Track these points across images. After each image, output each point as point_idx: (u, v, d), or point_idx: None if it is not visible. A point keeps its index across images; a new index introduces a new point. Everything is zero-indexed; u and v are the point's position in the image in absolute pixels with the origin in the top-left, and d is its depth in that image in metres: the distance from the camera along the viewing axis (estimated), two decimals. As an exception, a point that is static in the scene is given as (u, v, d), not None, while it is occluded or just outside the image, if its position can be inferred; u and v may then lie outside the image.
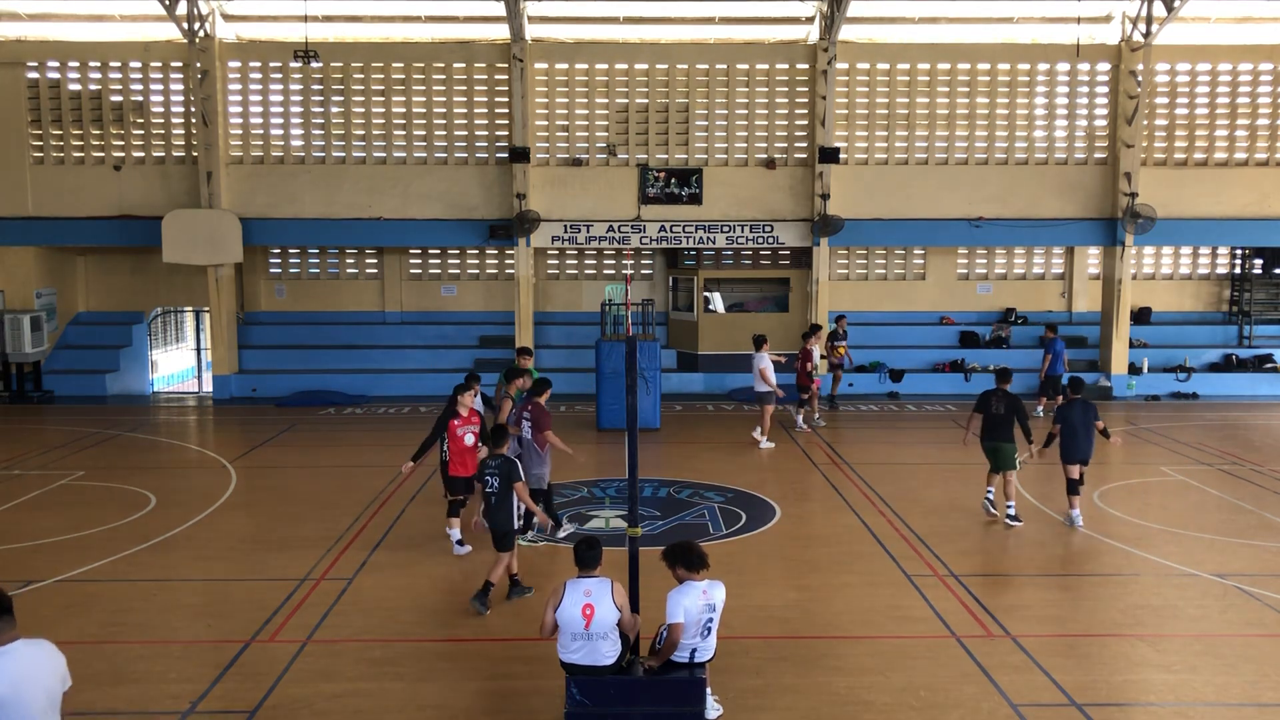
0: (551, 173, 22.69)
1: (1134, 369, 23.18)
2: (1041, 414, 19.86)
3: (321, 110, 22.65)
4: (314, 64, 21.09)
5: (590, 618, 6.85)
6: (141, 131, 22.61)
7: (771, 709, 7.49)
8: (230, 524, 12.54)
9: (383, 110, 22.65)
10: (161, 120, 22.67)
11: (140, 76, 22.53)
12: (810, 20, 22.19)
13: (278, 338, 24.27)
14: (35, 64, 22.33)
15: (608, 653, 6.94)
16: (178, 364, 28.14)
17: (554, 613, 6.94)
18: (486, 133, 22.80)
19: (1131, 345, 23.37)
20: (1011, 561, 11.07)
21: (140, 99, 22.56)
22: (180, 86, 22.54)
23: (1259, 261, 24.92)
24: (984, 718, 7.37)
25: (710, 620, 6.98)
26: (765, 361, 17.39)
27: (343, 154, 22.72)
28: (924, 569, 10.67)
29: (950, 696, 7.68)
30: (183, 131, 22.65)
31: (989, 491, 12.82)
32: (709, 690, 7.25)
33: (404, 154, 22.81)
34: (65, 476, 14.98)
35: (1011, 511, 12.41)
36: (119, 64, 22.43)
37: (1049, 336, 20.31)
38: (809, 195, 22.61)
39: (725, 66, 22.59)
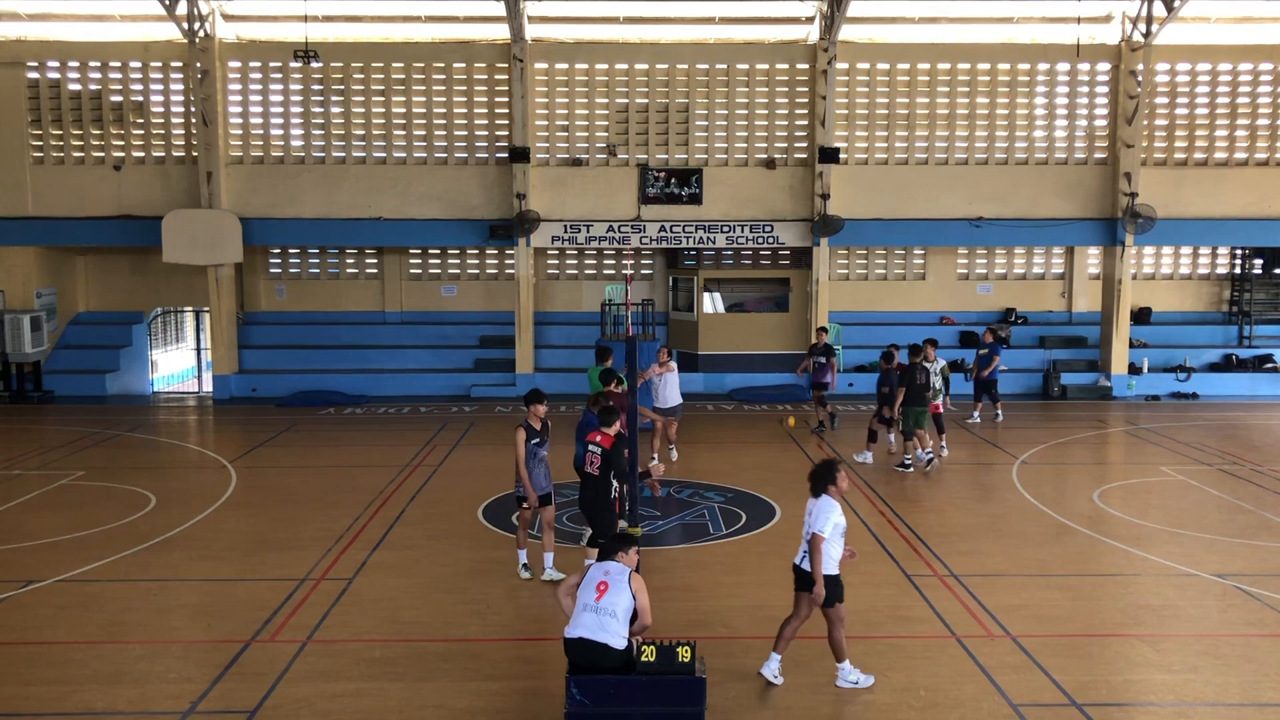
0: (551, 173, 22.69)
1: (1134, 369, 23.19)
2: (978, 418, 19.51)
3: (321, 110, 22.66)
4: (314, 64, 21.10)
5: (603, 593, 6.99)
6: (141, 131, 22.62)
7: (772, 709, 7.49)
8: (230, 524, 12.53)
9: (383, 110, 22.65)
10: (161, 120, 22.68)
11: (140, 76, 22.54)
12: (810, 20, 22.20)
13: (278, 338, 24.28)
14: (35, 64, 22.34)
15: (614, 633, 6.92)
16: (178, 364, 28.14)
17: (575, 581, 7.26)
18: (486, 133, 22.80)
19: (1131, 345, 23.38)
20: (1011, 561, 11.07)
21: (140, 99, 22.57)
22: (180, 86, 22.55)
23: (1259, 261, 24.93)
24: (984, 718, 7.36)
25: (807, 529, 7.82)
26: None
27: (343, 154, 22.73)
28: (924, 569, 10.67)
29: (950, 696, 7.68)
30: (183, 131, 22.66)
31: (927, 451, 15.44)
32: (847, 663, 7.82)
33: (404, 154, 22.81)
34: (65, 476, 14.98)
35: (930, 457, 15.42)
36: (119, 64, 22.44)
37: (988, 339, 19.55)
38: (809, 195, 22.61)
39: (725, 66, 22.59)
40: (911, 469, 15.32)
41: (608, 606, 6.93)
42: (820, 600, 7.63)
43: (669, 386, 15.65)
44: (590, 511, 9.85)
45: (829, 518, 7.69)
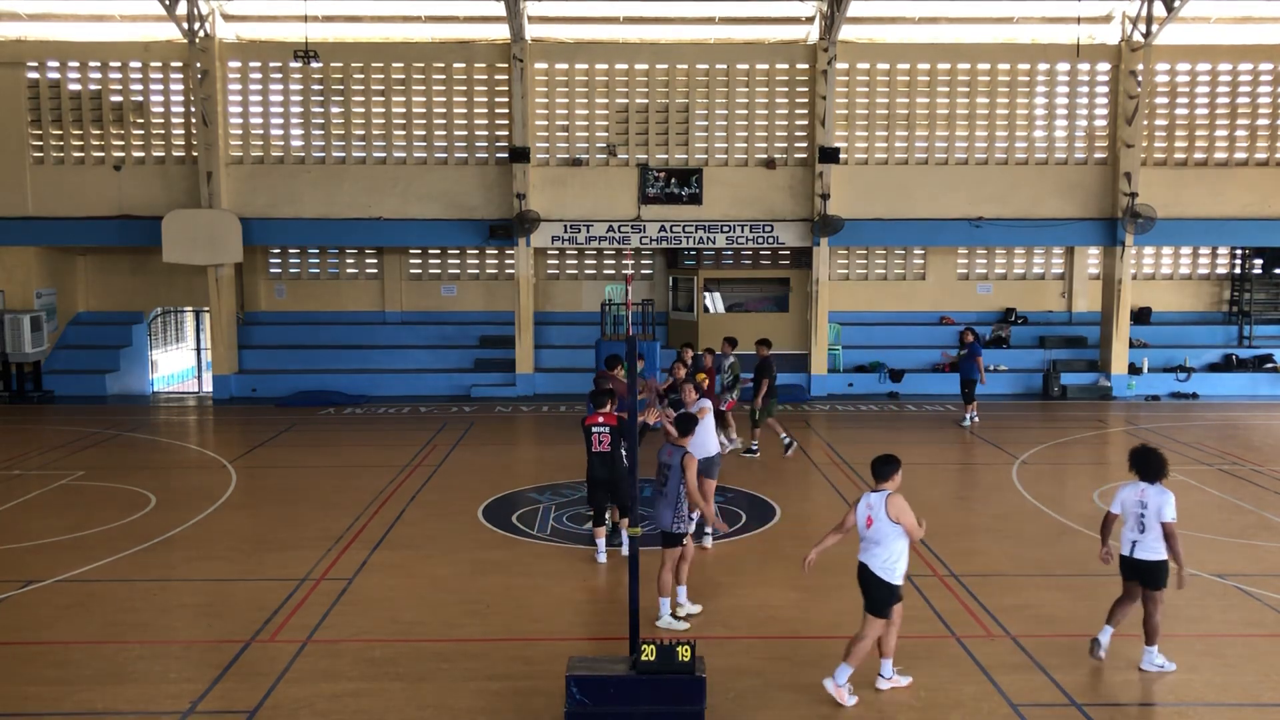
0: (551, 173, 22.69)
1: (1134, 369, 23.18)
2: (969, 423, 19.07)
3: (321, 110, 22.66)
4: (314, 64, 21.09)
5: (870, 523, 7.65)
6: (141, 131, 22.62)
7: (771, 709, 7.49)
8: (230, 524, 12.53)
9: (383, 110, 22.65)
10: (161, 120, 22.68)
11: (140, 76, 22.54)
12: (810, 20, 22.19)
13: (278, 338, 24.27)
14: (35, 64, 22.33)
15: (875, 557, 7.60)
16: (178, 364, 28.14)
17: (850, 516, 7.88)
18: (486, 133, 22.80)
19: (1131, 345, 23.37)
20: (1011, 561, 11.07)
21: (140, 99, 22.56)
22: (180, 86, 22.55)
23: (1259, 261, 24.92)
24: (984, 718, 7.36)
25: (1142, 516, 8.03)
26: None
27: (343, 154, 22.73)
28: (924, 569, 10.66)
29: (950, 696, 7.68)
30: (183, 131, 22.66)
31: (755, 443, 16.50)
32: (1156, 647, 8.09)
33: (404, 154, 22.81)
34: (65, 476, 14.97)
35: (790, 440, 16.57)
36: (119, 64, 22.43)
37: (968, 340, 19.27)
38: (809, 195, 22.61)
39: (725, 66, 22.59)
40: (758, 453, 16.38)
41: (873, 536, 7.64)
42: (1167, 587, 8.05)
43: (701, 429, 10.56)
44: (610, 487, 10.71)
45: (1175, 504, 8.00)
